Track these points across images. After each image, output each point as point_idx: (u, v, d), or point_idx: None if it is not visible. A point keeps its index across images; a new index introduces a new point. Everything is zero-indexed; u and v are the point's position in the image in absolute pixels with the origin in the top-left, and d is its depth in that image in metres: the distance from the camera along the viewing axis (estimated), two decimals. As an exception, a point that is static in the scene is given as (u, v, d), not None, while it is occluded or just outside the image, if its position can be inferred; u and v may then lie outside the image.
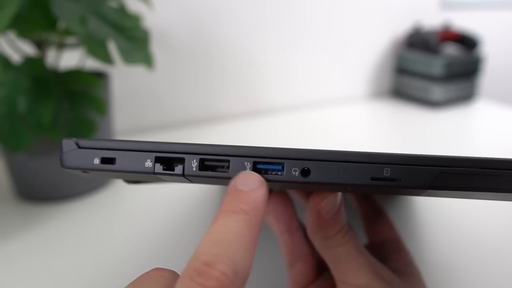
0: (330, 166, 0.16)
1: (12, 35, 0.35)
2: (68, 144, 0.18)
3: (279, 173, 0.17)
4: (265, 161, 0.17)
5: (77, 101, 0.37)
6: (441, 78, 0.71)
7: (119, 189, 0.43)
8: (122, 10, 0.36)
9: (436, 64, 0.71)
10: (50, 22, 0.33)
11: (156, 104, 0.62)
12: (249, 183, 0.15)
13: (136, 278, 0.15)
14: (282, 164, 0.17)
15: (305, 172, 0.16)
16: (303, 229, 0.24)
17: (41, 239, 0.34)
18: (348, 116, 0.70)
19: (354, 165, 0.16)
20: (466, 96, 0.76)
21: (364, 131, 0.62)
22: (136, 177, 0.19)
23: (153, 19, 0.57)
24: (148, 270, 0.15)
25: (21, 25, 0.32)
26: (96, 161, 0.18)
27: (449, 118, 0.68)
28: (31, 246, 0.33)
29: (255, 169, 0.17)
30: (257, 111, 0.71)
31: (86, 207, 0.39)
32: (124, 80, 0.59)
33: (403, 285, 0.21)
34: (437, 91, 0.72)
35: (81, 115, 0.37)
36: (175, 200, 0.41)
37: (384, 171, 0.16)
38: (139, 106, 0.61)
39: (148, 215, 0.38)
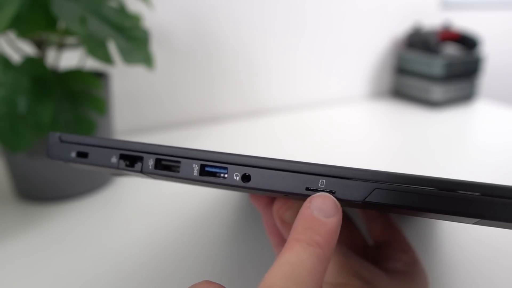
0: (270, 173, 0.17)
1: (12, 35, 0.35)
2: (53, 137, 0.21)
3: (225, 175, 0.18)
4: (211, 164, 0.18)
5: (77, 101, 0.37)
6: (441, 78, 0.71)
7: (119, 189, 0.43)
8: (122, 10, 0.36)
9: (436, 64, 0.71)
10: (50, 22, 0.33)
11: (156, 104, 0.62)
12: (326, 210, 0.15)
13: None
14: (226, 168, 0.18)
15: (245, 178, 0.17)
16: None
17: (41, 239, 0.34)
18: (348, 116, 0.70)
19: (291, 174, 0.17)
20: (466, 96, 0.77)
21: (364, 131, 0.62)
22: (105, 170, 0.21)
23: (153, 19, 0.57)
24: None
25: (21, 25, 0.32)
26: (73, 154, 0.20)
27: (449, 118, 0.68)
28: (31, 246, 0.33)
29: (202, 171, 0.18)
30: (257, 111, 0.71)
31: (86, 207, 0.39)
32: (124, 80, 0.59)
33: (395, 284, 0.21)
34: (437, 91, 0.72)
35: (81, 115, 0.37)
36: (175, 200, 0.41)
37: (320, 183, 0.16)
38: (139, 106, 0.61)
39: (148, 215, 0.38)
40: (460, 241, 0.34)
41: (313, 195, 0.15)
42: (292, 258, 0.13)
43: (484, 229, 0.35)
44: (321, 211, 0.15)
